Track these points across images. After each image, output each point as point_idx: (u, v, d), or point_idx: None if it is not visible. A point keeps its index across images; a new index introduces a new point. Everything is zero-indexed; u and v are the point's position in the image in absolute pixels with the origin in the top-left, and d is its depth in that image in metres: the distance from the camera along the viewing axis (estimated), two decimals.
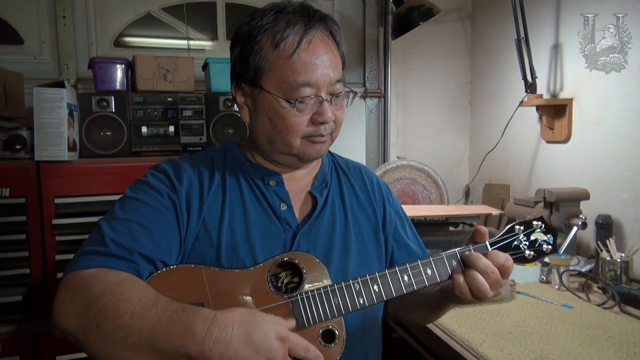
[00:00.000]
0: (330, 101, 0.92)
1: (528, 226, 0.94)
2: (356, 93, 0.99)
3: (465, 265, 0.87)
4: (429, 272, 0.87)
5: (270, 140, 0.95)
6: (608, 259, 1.57)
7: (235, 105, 0.99)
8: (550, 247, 0.93)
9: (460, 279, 0.85)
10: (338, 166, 1.10)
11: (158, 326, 0.70)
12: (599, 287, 1.57)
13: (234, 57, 0.97)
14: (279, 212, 0.97)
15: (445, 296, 0.92)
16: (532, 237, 0.93)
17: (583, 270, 1.70)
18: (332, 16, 0.96)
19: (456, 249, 0.90)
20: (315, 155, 0.96)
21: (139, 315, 0.71)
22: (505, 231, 0.93)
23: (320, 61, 0.90)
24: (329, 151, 1.10)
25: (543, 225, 0.94)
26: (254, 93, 0.94)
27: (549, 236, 0.94)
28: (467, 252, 0.88)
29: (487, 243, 0.91)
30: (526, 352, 1.16)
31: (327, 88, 0.91)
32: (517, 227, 0.93)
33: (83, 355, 1.41)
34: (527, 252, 0.92)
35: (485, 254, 0.86)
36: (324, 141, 0.95)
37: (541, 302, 1.48)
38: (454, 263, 0.88)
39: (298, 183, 1.02)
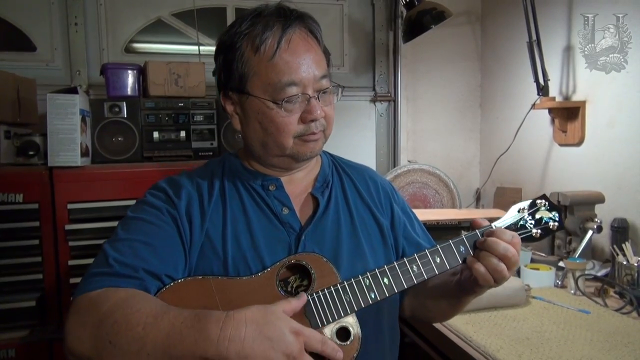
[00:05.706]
0: (318, 98, 0.92)
1: (532, 205, 0.95)
2: (343, 87, 0.99)
3: (481, 250, 0.86)
4: (438, 260, 0.88)
5: (264, 144, 0.95)
6: (624, 263, 1.55)
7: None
8: (556, 223, 0.94)
9: (482, 268, 0.84)
10: (339, 167, 1.10)
11: (172, 333, 0.71)
12: (615, 292, 1.54)
13: (218, 67, 0.98)
14: (281, 216, 0.96)
15: (462, 289, 0.92)
16: (537, 216, 0.94)
17: (599, 274, 1.68)
18: (313, 17, 0.96)
19: (463, 235, 0.90)
20: (310, 154, 0.96)
21: (151, 325, 0.72)
22: (510, 212, 0.94)
23: (302, 59, 0.90)
24: (329, 153, 1.11)
25: (547, 203, 0.95)
26: (242, 99, 0.94)
27: (553, 213, 0.94)
28: (481, 239, 0.87)
29: (494, 225, 0.91)
30: (544, 358, 1.14)
31: (313, 85, 0.92)
32: (521, 207, 0.94)
33: None
34: (534, 230, 0.93)
35: (492, 232, 0.87)
36: (317, 139, 0.95)
37: (557, 307, 1.46)
38: (462, 249, 0.89)
39: (298, 185, 1.02)
